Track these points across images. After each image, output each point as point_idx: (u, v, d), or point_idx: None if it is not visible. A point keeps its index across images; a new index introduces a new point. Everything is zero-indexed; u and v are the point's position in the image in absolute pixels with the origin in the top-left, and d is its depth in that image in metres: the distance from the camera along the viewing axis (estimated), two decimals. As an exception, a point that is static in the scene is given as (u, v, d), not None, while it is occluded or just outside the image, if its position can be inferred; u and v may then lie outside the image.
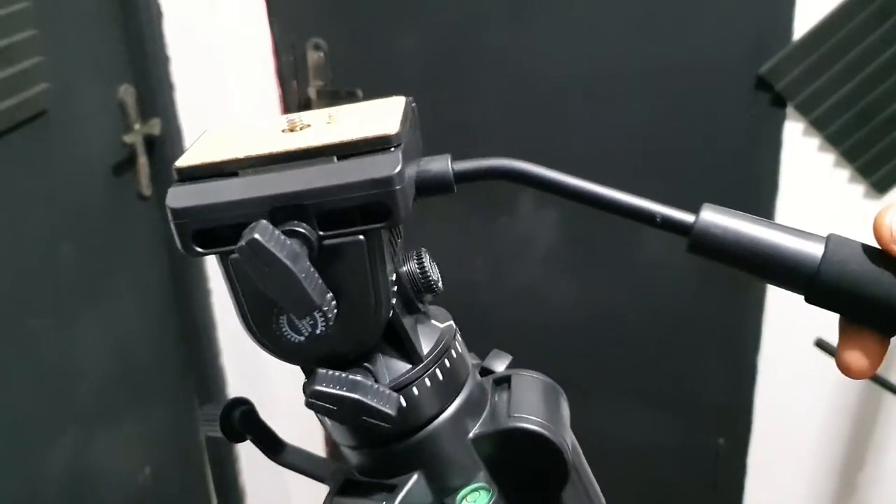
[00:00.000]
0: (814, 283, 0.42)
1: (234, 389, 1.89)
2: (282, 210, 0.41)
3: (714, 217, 0.43)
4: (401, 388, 0.46)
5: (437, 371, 0.47)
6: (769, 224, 0.44)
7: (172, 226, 0.42)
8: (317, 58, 1.71)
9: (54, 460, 1.42)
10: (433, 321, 0.50)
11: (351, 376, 0.44)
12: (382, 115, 0.45)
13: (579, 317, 1.80)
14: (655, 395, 1.81)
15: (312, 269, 0.39)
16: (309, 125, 0.46)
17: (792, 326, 1.59)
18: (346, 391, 0.43)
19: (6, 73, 1.26)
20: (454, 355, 0.48)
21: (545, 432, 0.47)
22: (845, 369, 0.44)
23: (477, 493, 0.48)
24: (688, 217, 0.44)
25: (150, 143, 1.62)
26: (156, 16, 1.59)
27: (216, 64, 1.65)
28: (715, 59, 1.55)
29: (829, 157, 1.54)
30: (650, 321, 1.74)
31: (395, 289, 0.46)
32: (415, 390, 0.46)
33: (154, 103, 1.61)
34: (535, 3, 1.59)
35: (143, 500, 1.66)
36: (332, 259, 0.42)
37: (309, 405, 0.43)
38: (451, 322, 0.50)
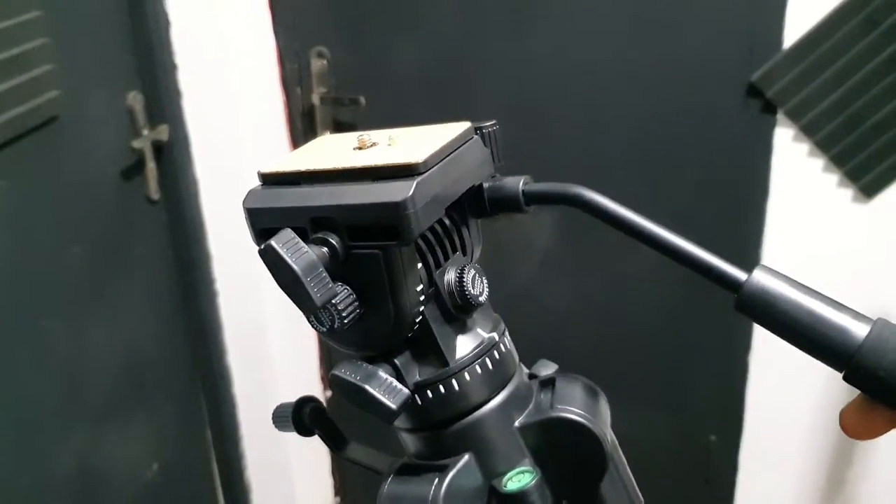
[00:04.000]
0: (851, 362, 0.41)
1: (239, 388, 1.90)
2: (318, 220, 0.47)
3: (764, 281, 0.43)
4: (424, 386, 0.50)
5: (474, 370, 0.51)
6: (817, 296, 0.43)
7: (247, 222, 0.50)
8: (320, 65, 1.73)
9: (64, 457, 1.43)
10: (477, 329, 0.53)
11: (371, 367, 0.48)
12: (426, 142, 0.49)
13: (573, 316, 1.80)
14: (649, 393, 1.81)
15: (324, 275, 0.44)
16: (375, 144, 0.51)
17: None
18: (358, 380, 0.47)
19: (18, 80, 1.28)
20: (497, 356, 0.52)
21: (586, 422, 0.50)
22: (850, 431, 0.43)
23: (521, 474, 0.51)
24: (740, 274, 0.44)
25: (159, 148, 1.64)
26: (164, 25, 1.60)
27: (222, 71, 1.65)
28: (708, 66, 1.57)
29: (819, 163, 1.56)
30: (644, 321, 1.74)
31: (423, 298, 0.49)
32: (454, 383, 0.50)
33: (162, 110, 1.63)
34: (533, 12, 1.60)
35: (150, 496, 1.67)
36: (357, 267, 0.47)
37: (330, 385, 0.48)
38: (497, 332, 0.53)
